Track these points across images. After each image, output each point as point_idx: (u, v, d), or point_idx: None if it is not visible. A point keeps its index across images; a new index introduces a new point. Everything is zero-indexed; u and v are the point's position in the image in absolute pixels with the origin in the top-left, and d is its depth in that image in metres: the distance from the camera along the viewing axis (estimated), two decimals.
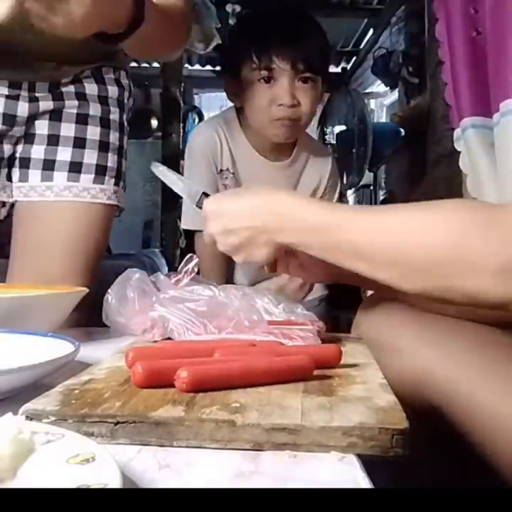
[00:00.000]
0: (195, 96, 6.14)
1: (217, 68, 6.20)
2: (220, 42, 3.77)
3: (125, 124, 1.18)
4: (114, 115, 1.14)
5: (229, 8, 4.20)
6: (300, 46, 1.33)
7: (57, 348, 0.59)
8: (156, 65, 5.56)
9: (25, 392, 0.51)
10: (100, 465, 0.33)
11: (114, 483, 0.30)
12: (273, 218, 0.71)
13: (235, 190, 0.80)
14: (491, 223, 0.58)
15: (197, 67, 5.91)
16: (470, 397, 0.63)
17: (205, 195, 0.83)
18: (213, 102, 6.27)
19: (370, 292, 0.95)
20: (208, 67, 6.04)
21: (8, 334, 0.65)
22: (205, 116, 6.10)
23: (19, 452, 0.34)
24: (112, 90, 1.14)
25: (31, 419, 0.43)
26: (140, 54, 1.15)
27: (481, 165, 1.06)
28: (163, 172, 0.91)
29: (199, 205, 0.83)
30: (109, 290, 0.82)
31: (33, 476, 0.33)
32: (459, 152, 1.14)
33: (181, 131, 4.47)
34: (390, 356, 0.70)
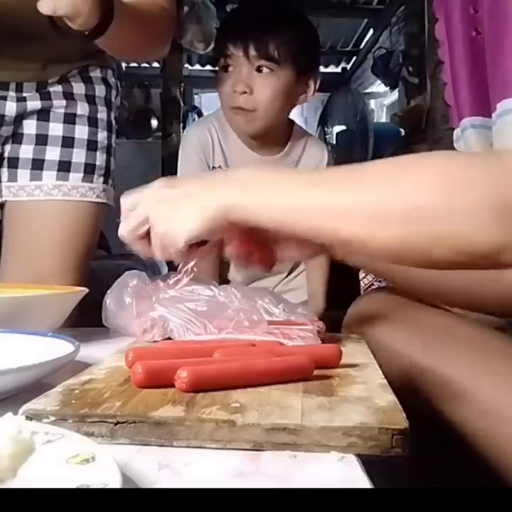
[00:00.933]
0: (195, 96, 6.14)
1: (217, 68, 6.21)
2: None
3: (113, 122, 1.19)
4: (102, 114, 1.15)
5: (229, 8, 4.20)
6: (254, 33, 1.31)
7: (57, 348, 0.59)
8: (156, 65, 5.56)
9: (25, 392, 0.51)
10: (100, 465, 0.33)
11: (114, 483, 0.30)
12: (225, 180, 0.60)
13: None
14: (490, 159, 0.50)
15: (197, 67, 5.91)
16: (462, 393, 0.63)
17: None
18: (213, 102, 6.26)
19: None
20: (208, 67, 6.04)
21: (8, 334, 0.65)
22: None
23: (19, 452, 0.34)
24: (100, 89, 1.15)
25: (31, 419, 0.43)
26: (120, 55, 1.14)
27: None
28: None
29: None
30: (107, 294, 0.82)
31: (33, 476, 0.33)
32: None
33: (181, 131, 4.46)
34: (378, 353, 0.70)
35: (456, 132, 1.09)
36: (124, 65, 5.53)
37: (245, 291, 0.75)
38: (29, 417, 0.43)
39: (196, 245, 0.62)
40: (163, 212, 0.59)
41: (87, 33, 0.87)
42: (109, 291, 0.82)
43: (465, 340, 0.69)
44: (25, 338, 0.64)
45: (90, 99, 1.13)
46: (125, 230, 0.64)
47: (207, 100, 6.19)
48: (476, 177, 0.48)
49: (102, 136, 1.14)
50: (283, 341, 0.67)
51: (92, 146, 1.13)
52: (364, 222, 0.51)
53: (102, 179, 1.14)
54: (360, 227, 0.51)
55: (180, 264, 0.81)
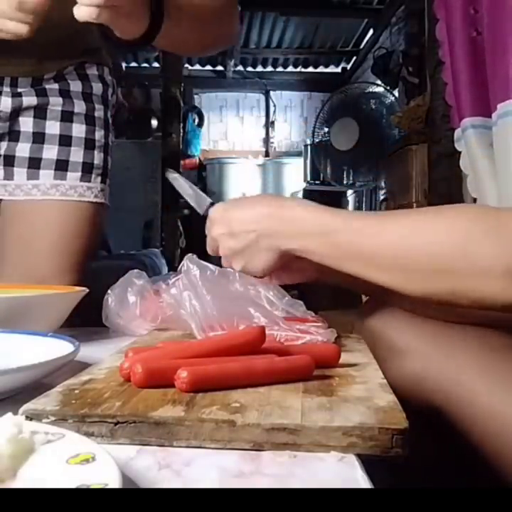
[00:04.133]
0: (195, 96, 6.14)
1: (218, 68, 6.22)
2: None
3: (109, 120, 1.18)
4: (99, 112, 1.14)
5: None
6: None
7: (57, 348, 0.59)
8: (156, 65, 5.57)
9: (25, 392, 0.51)
10: (100, 465, 0.33)
11: (114, 483, 0.30)
12: (277, 223, 0.71)
13: (245, 199, 0.80)
14: (495, 227, 0.57)
15: (197, 67, 5.92)
16: (471, 397, 0.63)
17: (213, 205, 0.83)
18: (213, 102, 6.27)
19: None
20: (208, 67, 6.05)
21: (8, 334, 0.65)
22: (205, 117, 6.11)
23: (19, 452, 0.34)
24: (96, 87, 1.14)
25: (31, 419, 0.43)
26: (186, 53, 1.15)
27: (481, 165, 1.06)
28: (176, 179, 0.91)
29: (206, 213, 0.83)
30: (108, 291, 0.82)
31: (33, 476, 0.33)
32: (459, 152, 1.14)
33: (181, 131, 4.47)
34: (390, 357, 0.70)
35: (457, 132, 1.09)
36: (124, 64, 5.53)
37: (250, 278, 0.75)
38: (29, 417, 0.43)
39: None
40: (237, 258, 0.74)
41: (136, 39, 0.87)
42: (110, 290, 0.81)
43: (474, 343, 0.69)
44: (25, 338, 0.64)
45: (87, 97, 1.12)
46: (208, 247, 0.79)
47: (207, 100, 6.20)
48: (485, 244, 0.56)
49: (99, 134, 1.14)
50: (301, 336, 0.66)
51: (89, 144, 1.12)
52: (390, 273, 0.62)
53: (99, 178, 1.13)
54: (388, 277, 0.63)
55: (181, 264, 0.81)
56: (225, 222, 0.75)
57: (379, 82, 4.04)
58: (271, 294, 0.73)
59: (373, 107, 3.96)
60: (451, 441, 0.66)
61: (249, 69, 6.05)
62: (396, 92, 3.91)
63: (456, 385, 0.65)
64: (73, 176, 1.10)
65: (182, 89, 4.43)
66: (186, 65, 5.38)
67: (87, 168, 1.11)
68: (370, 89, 4.06)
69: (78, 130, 1.11)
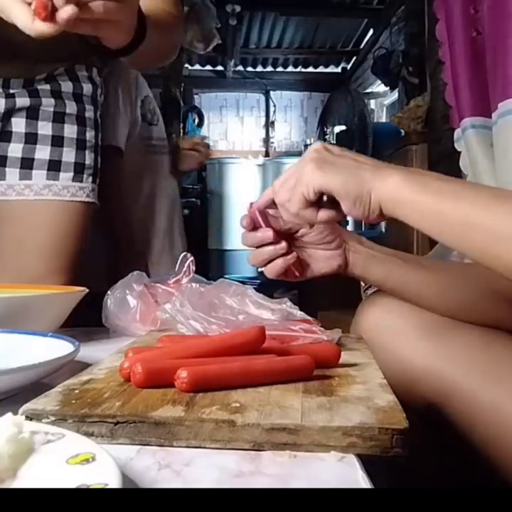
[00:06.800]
0: (195, 96, 6.14)
1: (218, 68, 6.23)
2: (220, 42, 3.78)
3: (99, 121, 1.19)
4: (89, 113, 1.15)
5: (229, 8, 4.21)
6: None
7: (57, 348, 0.59)
8: None
9: (25, 392, 0.51)
10: (100, 465, 0.33)
11: (114, 483, 0.30)
12: (387, 167, 0.61)
13: None
14: None
15: (197, 67, 5.92)
16: (471, 396, 0.63)
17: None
18: (213, 102, 6.27)
19: (370, 290, 0.95)
20: (208, 67, 6.05)
21: (8, 334, 0.65)
22: (205, 117, 6.11)
23: (19, 452, 0.34)
24: (86, 88, 1.15)
25: (31, 419, 0.43)
26: (137, 65, 1.14)
27: (480, 165, 1.06)
28: None
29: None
30: (108, 292, 0.82)
31: (33, 476, 0.33)
32: (459, 152, 1.14)
33: (181, 131, 4.47)
34: (390, 355, 0.70)
35: (457, 132, 1.09)
36: None
37: (240, 286, 0.74)
38: (29, 417, 0.43)
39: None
40: (320, 163, 0.61)
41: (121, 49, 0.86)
42: (110, 291, 0.81)
43: (474, 341, 0.69)
44: (25, 338, 0.64)
45: (78, 97, 1.13)
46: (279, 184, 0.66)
47: (207, 100, 6.19)
48: None
49: (89, 135, 1.15)
50: (305, 336, 0.66)
51: (81, 145, 1.13)
52: None
53: (91, 178, 1.14)
54: None
55: (177, 264, 0.81)
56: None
57: (379, 82, 4.03)
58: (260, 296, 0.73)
59: (373, 107, 3.96)
60: (451, 441, 0.66)
61: (249, 69, 6.05)
62: (396, 92, 3.92)
63: (457, 383, 0.65)
64: (66, 176, 1.11)
65: (182, 89, 4.43)
66: (186, 65, 5.38)
67: (79, 169, 1.12)
68: (370, 90, 4.06)
69: (70, 131, 1.12)
